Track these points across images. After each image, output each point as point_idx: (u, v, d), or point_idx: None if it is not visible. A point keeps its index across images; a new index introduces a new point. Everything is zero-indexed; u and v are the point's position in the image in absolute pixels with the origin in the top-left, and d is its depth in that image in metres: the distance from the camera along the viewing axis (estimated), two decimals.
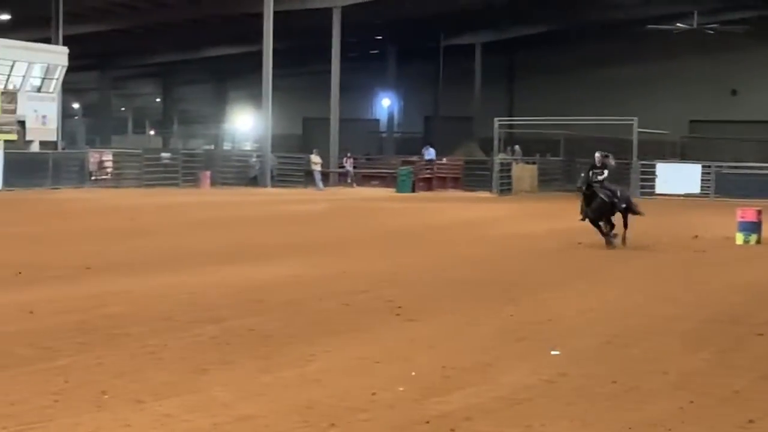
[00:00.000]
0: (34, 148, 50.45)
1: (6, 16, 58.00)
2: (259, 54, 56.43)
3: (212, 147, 78.38)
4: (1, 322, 13.01)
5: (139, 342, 11.99)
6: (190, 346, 11.91)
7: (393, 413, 9.23)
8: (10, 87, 49.14)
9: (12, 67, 49.21)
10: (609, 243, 24.03)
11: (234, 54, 73.17)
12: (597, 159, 24.68)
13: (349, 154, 60.35)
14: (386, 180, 58.20)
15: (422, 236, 28.21)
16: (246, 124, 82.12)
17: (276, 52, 56.08)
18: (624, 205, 24.52)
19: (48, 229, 27.64)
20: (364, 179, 60.11)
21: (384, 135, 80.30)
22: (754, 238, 25.63)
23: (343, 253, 22.41)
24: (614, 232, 24.20)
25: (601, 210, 24.15)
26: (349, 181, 59.24)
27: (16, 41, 50.77)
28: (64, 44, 52.77)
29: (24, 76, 49.77)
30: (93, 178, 51.15)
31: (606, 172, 24.50)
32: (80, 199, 41.84)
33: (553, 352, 11.91)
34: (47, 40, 52.95)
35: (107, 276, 17.67)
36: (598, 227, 24.30)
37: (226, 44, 72.07)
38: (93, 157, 52.70)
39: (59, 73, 51.76)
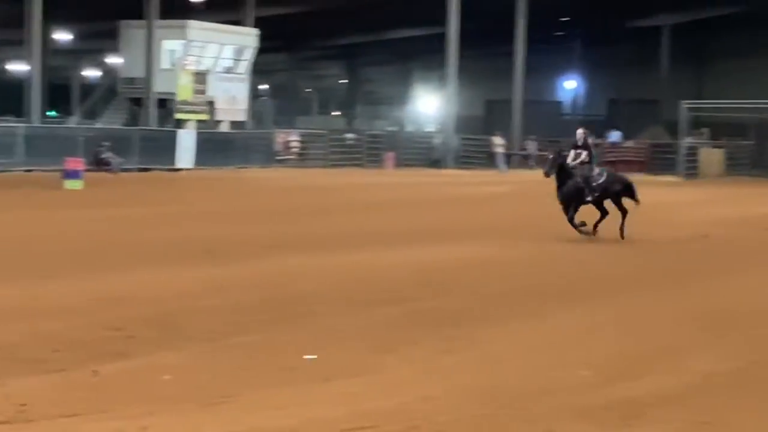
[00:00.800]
0: (224, 128, 51.61)
1: None
2: (443, 35, 56.52)
3: (396, 128, 78.75)
4: (192, 297, 13.43)
5: (326, 320, 12.25)
6: (374, 325, 12.12)
7: (576, 397, 9.22)
8: (202, 68, 50.33)
9: (204, 48, 50.40)
10: (584, 233, 21.55)
11: (418, 36, 73.32)
12: (579, 136, 22.49)
13: (532, 137, 60.00)
14: None
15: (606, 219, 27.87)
16: (429, 106, 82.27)
17: (460, 33, 56.06)
18: (618, 188, 22.01)
19: (236, 207, 28.33)
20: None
21: (567, 117, 79.53)
22: None
23: (524, 235, 22.30)
24: (585, 227, 21.60)
25: (570, 195, 21.62)
26: (531, 163, 58.88)
27: (209, 23, 51.94)
28: (255, 26, 53.76)
29: (215, 58, 50.93)
30: (279, 158, 52.08)
31: (584, 153, 22.04)
32: (267, 178, 42.65)
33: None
34: (238, 22, 54.01)
35: (293, 254, 18.00)
36: (566, 213, 21.69)
37: (410, 26, 72.24)
38: (280, 137, 53.65)
39: (249, 55, 52.79)
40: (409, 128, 79.35)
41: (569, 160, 21.92)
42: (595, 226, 21.80)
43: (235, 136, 50.57)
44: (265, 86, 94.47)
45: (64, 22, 66.03)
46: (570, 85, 79.37)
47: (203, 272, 15.47)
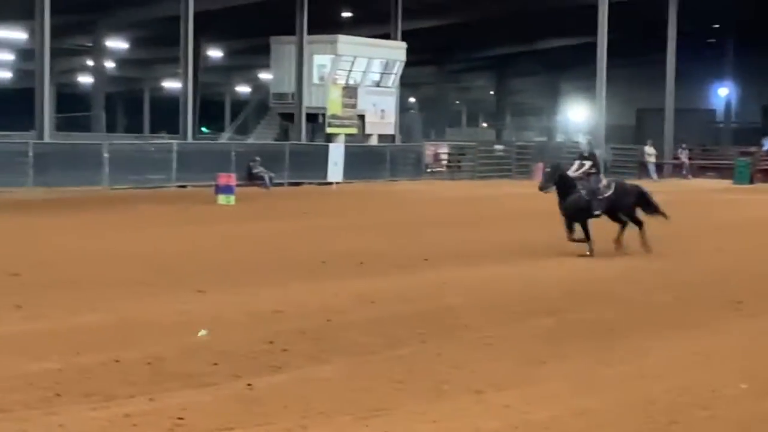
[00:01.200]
0: (373, 141, 51.94)
1: (348, 14, 59.86)
2: (592, 45, 56.00)
3: (545, 139, 78.32)
4: (345, 310, 13.51)
5: (477, 333, 12.21)
6: (527, 337, 12.03)
7: (736, 410, 9.04)
8: (351, 82, 50.74)
9: (353, 62, 50.81)
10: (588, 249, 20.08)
11: (567, 45, 72.86)
12: (583, 146, 21.39)
13: (683, 145, 59.08)
14: (722, 171, 56.64)
15: (762, 229, 27.34)
16: (579, 116, 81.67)
17: (610, 42, 55.51)
18: (630, 201, 20.61)
19: (386, 219, 28.42)
20: (700, 170, 58.71)
21: (720, 125, 78.09)
22: None
23: (678, 246, 21.92)
24: (586, 243, 20.21)
25: (574, 209, 20.23)
26: (684, 172, 57.99)
27: (357, 38, 52.33)
28: (403, 39, 54.00)
29: (364, 72, 51.29)
30: (429, 170, 52.21)
31: (588, 163, 20.57)
32: (416, 190, 42.78)
33: None
34: (387, 36, 54.31)
35: (444, 266, 17.99)
36: (569, 228, 20.34)
37: (559, 36, 71.81)
38: (429, 150, 53.78)
39: (398, 68, 53.04)
40: (559, 138, 78.79)
41: (572, 171, 20.66)
42: (618, 240, 20.45)
43: (385, 149, 50.84)
44: (414, 99, 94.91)
45: (216, 39, 67.28)
46: (723, 93, 77.94)
47: (355, 285, 15.55)
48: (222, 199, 33.07)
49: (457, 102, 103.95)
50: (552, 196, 20.73)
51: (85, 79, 76.78)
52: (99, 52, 61.47)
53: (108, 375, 9.78)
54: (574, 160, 20.99)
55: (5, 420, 8.24)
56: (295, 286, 15.41)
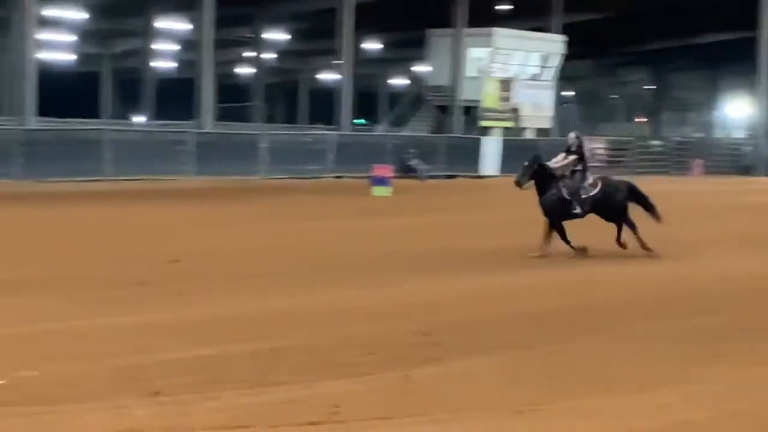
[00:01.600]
0: (529, 135, 51.71)
1: (507, 6, 59.67)
2: (753, 39, 54.87)
3: (703, 135, 77.01)
4: (498, 304, 13.53)
5: (631, 329, 12.09)
6: (683, 336, 11.85)
7: None
8: (508, 75, 50.58)
9: (510, 56, 50.65)
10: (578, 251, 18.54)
11: (727, 40, 71.45)
12: (571, 140, 19.59)
13: None
14: None
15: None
16: (738, 112, 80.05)
17: None
18: (620, 197, 19.11)
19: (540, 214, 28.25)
20: None
21: None
22: None
23: None
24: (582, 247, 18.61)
25: (552, 206, 18.86)
26: None
27: (515, 30, 52.17)
28: (562, 32, 53.61)
29: (521, 65, 51.09)
30: None
31: (572, 157, 19.19)
32: None
33: None
34: (545, 29, 53.98)
35: (598, 262, 17.88)
36: (557, 230, 18.80)
37: (718, 30, 70.47)
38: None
39: (556, 62, 52.70)
40: (718, 135, 77.38)
41: (553, 162, 19.43)
42: (618, 240, 18.93)
43: (541, 142, 50.53)
44: (570, 93, 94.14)
45: (373, 31, 67.68)
46: None
47: (508, 279, 15.56)
48: (377, 190, 33.30)
49: (614, 96, 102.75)
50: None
51: (245, 70, 77.99)
52: (258, 43, 62.44)
53: (265, 362, 9.93)
54: (560, 154, 19.72)
55: (167, 404, 8.45)
56: (449, 278, 15.46)
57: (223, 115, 60.82)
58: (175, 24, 61.58)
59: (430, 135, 49.01)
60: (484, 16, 53.04)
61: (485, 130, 49.05)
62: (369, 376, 9.58)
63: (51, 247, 18.27)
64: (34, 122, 36.19)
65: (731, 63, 79.95)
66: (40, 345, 10.37)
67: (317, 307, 12.82)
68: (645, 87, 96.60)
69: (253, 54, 64.08)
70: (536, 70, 52.35)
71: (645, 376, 9.91)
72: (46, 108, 39.74)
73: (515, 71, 50.82)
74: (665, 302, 14.05)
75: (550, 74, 52.87)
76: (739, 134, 73.91)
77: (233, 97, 69.80)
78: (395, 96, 77.11)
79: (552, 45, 52.72)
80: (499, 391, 9.22)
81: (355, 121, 68.99)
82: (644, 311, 13.32)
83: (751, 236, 23.38)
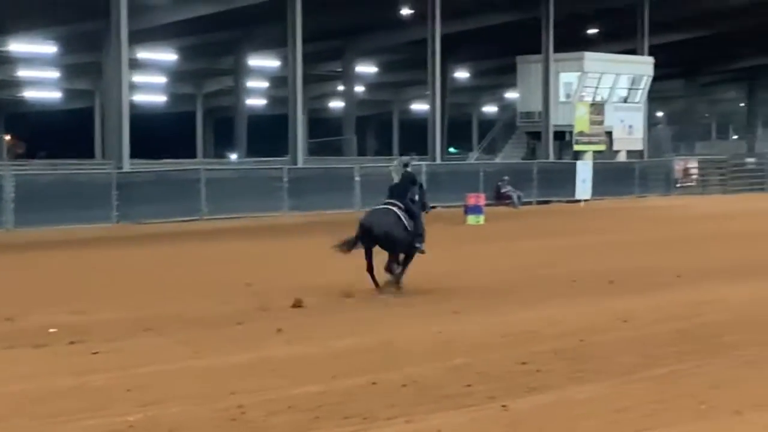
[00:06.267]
0: (621, 157, 51.40)
1: (594, 30, 59.48)
2: None
3: None
4: (598, 330, 13.45)
5: (738, 351, 11.98)
6: None
7: None
8: (598, 98, 50.37)
9: (600, 79, 50.46)
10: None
11: None
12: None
13: None
14: None
15: None
16: None
17: None
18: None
19: (637, 237, 28.10)
20: None
21: None
22: None
23: None
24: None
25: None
26: None
27: (604, 54, 52.00)
28: (650, 54, 53.30)
29: (611, 88, 50.86)
30: (678, 185, 51.32)
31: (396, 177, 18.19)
32: (666, 206, 42.13)
33: None
34: (633, 51, 53.72)
35: (699, 284, 17.71)
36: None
37: None
38: (678, 164, 52.86)
39: (645, 83, 52.41)
40: None
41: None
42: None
43: (633, 165, 50.25)
44: (662, 113, 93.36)
45: (462, 60, 67.82)
46: None
47: (608, 304, 15.48)
48: (471, 219, 33.33)
49: (707, 115, 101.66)
50: None
51: (336, 104, 78.52)
52: (349, 77, 62.83)
53: (367, 397, 9.99)
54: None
55: None
56: (547, 305, 15.43)
57: (315, 150, 61.31)
58: (265, 61, 62.23)
59: (522, 161, 48.93)
60: (572, 41, 52.93)
61: (578, 155, 48.82)
62: (470, 407, 9.60)
63: (153, 287, 18.52)
64: (129, 165, 36.75)
65: None
66: (152, 386, 10.49)
67: (417, 340, 12.85)
68: (738, 104, 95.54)
69: (344, 87, 64.47)
70: (626, 93, 52.06)
71: (750, 398, 9.84)
72: (141, 150, 40.34)
73: (605, 94, 50.58)
74: None
75: (640, 96, 52.54)
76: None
77: (325, 132, 70.33)
78: (487, 124, 77.07)
79: (640, 67, 52.42)
80: (602, 418, 9.20)
81: (450, 149, 69.20)
82: (751, 332, 13.18)
83: None
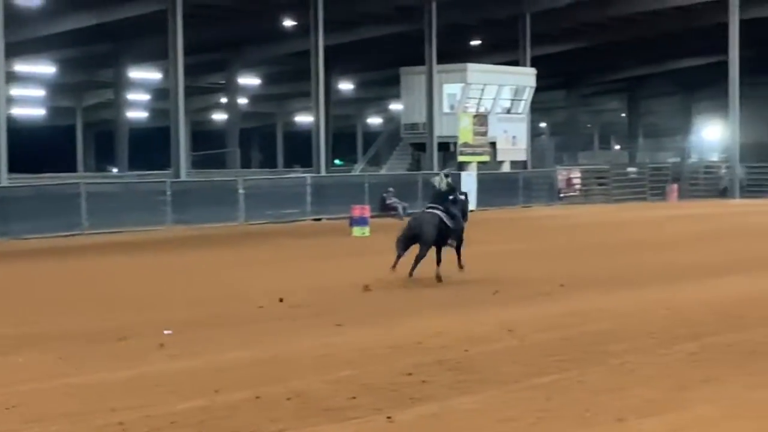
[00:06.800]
0: (505, 168, 51.84)
1: (477, 42, 59.99)
2: (725, 64, 55.25)
3: (679, 160, 77.35)
4: (484, 340, 13.45)
5: (620, 359, 12.06)
6: (671, 363, 11.86)
7: None
8: (482, 110, 50.74)
9: (483, 90, 50.83)
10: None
11: (700, 65, 71.99)
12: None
13: None
14: None
15: None
16: (713, 135, 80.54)
17: (743, 60, 54.70)
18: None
19: (521, 247, 28.29)
20: None
21: None
22: None
23: None
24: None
25: None
26: None
27: (487, 65, 52.43)
28: (532, 65, 53.88)
29: (494, 99, 51.27)
30: (562, 195, 51.90)
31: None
32: (551, 216, 42.53)
33: None
34: (516, 63, 54.26)
35: (583, 293, 17.86)
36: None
37: (691, 55, 70.99)
38: (561, 174, 53.48)
39: (528, 94, 52.94)
40: (693, 159, 77.76)
41: None
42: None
43: (517, 175, 50.71)
44: (545, 124, 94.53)
45: (346, 72, 67.92)
46: None
47: (492, 314, 15.50)
48: (357, 230, 33.25)
49: (589, 125, 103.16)
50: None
51: (219, 116, 78.12)
52: (232, 89, 62.52)
53: (251, 411, 9.86)
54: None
55: None
56: (433, 316, 15.41)
57: (199, 163, 60.87)
58: (147, 73, 61.65)
59: (407, 173, 49.07)
60: (455, 52, 53.34)
61: (462, 166, 49.09)
62: (354, 420, 9.52)
63: (34, 303, 18.15)
64: (7, 180, 35.99)
65: (705, 87, 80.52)
66: (32, 404, 10.27)
67: (301, 353, 12.73)
68: (620, 114, 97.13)
69: (227, 99, 64.12)
70: (509, 104, 52.53)
71: (632, 404, 9.91)
72: (20, 165, 39.55)
73: (489, 105, 50.97)
74: (654, 329, 14.01)
75: (523, 107, 53.05)
76: (715, 157, 74.34)
77: (209, 144, 69.88)
78: (371, 135, 77.28)
79: (523, 78, 52.94)
80: (486, 428, 9.23)
81: (335, 161, 69.19)
82: (633, 340, 13.27)
83: (735, 259, 23.45)
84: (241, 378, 11.30)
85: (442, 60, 49.72)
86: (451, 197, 20.67)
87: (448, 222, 20.19)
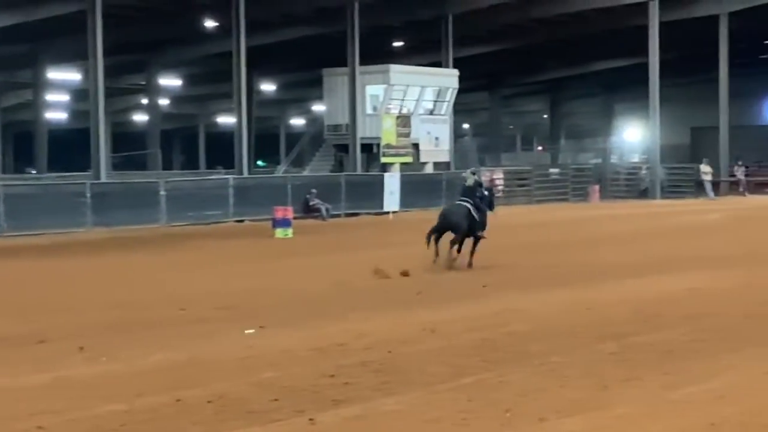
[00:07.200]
0: (428, 169, 51.91)
1: (400, 43, 60.05)
2: (645, 65, 55.87)
3: (600, 161, 78.02)
4: (407, 341, 13.44)
5: (541, 359, 12.12)
6: (592, 362, 11.93)
7: None
8: (405, 111, 50.79)
9: (406, 91, 50.87)
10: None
11: (621, 67, 72.66)
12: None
13: (740, 162, 58.71)
14: None
15: None
16: (634, 136, 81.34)
17: (662, 62, 55.34)
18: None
19: None
20: (757, 187, 58.31)
21: None
22: None
23: (742, 265, 21.77)
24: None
25: None
26: (741, 189, 57.58)
27: (409, 67, 52.47)
28: (455, 66, 54.03)
29: (417, 100, 51.33)
30: None
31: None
32: None
33: None
34: (438, 64, 54.38)
35: (506, 293, 17.93)
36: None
37: (613, 57, 71.65)
38: (484, 176, 53.64)
39: (450, 95, 53.05)
40: (614, 160, 78.49)
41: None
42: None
43: (440, 176, 50.78)
44: (468, 125, 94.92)
45: (269, 73, 67.71)
46: None
47: (416, 315, 15.49)
48: (279, 232, 33.14)
49: (512, 127, 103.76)
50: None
51: (140, 118, 77.50)
52: (153, 90, 62.05)
53: (172, 415, 9.78)
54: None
55: None
56: (356, 318, 15.36)
57: (119, 165, 60.27)
58: (66, 74, 60.99)
59: (330, 174, 48.97)
60: (378, 54, 53.33)
61: (386, 167, 49.11)
62: (276, 422, 9.47)
63: None
64: None
65: (626, 89, 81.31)
66: None
67: (224, 355, 12.65)
68: (543, 116, 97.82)
69: (148, 101, 63.62)
70: (432, 105, 52.62)
71: (553, 404, 9.96)
72: None
73: (412, 107, 51.03)
74: (576, 329, 14.10)
75: (446, 108, 53.15)
76: (636, 158, 75.11)
77: (130, 146, 69.24)
78: (294, 136, 77.10)
79: (446, 79, 53.03)
80: (408, 429, 9.22)
81: (258, 162, 68.90)
82: (555, 340, 13.33)
83: (654, 259, 23.69)
84: (162, 381, 11.20)
85: (364, 61, 49.68)
86: (477, 193, 23.49)
87: (475, 214, 22.94)
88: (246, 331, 14.18)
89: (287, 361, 12.20)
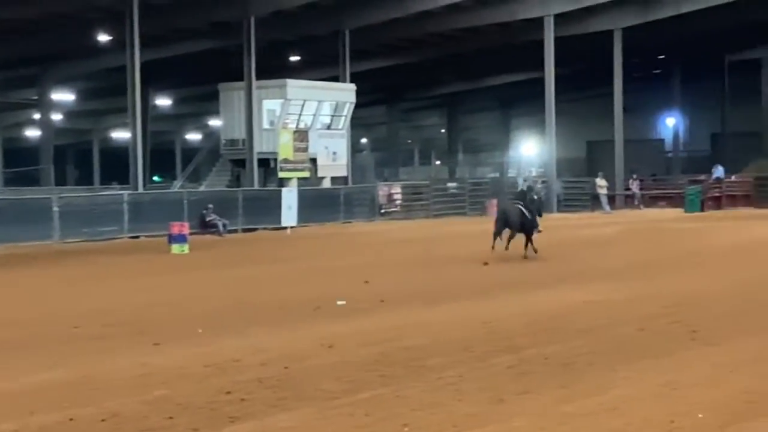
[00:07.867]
0: (326, 183, 51.87)
1: (296, 58, 59.94)
2: (542, 80, 56.45)
3: (498, 175, 78.68)
4: (304, 356, 13.35)
5: (438, 373, 12.10)
6: (489, 376, 11.95)
7: None
8: (302, 126, 50.69)
9: (303, 106, 50.76)
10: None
11: (517, 81, 73.42)
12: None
13: (635, 176, 59.57)
14: (674, 200, 57.22)
15: (716, 257, 27.53)
16: (530, 150, 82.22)
17: (558, 77, 55.98)
18: None
19: (342, 263, 28.28)
20: (651, 200, 59.21)
21: (670, 155, 78.82)
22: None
23: (637, 277, 22.11)
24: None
25: None
26: (636, 203, 58.40)
27: (307, 81, 52.41)
28: (352, 81, 54.07)
29: (314, 115, 51.25)
30: (383, 211, 52.12)
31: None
32: (372, 232, 42.67)
33: None
34: (336, 79, 54.38)
35: (403, 308, 17.89)
36: None
37: (509, 72, 72.36)
38: (382, 190, 53.74)
39: (348, 110, 53.08)
40: (511, 174, 79.19)
41: None
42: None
43: (338, 191, 50.77)
44: (366, 140, 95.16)
45: (164, 87, 67.17)
46: (671, 123, 78.67)
47: (313, 330, 15.40)
48: (176, 248, 32.82)
49: (409, 141, 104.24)
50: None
51: (33, 133, 76.37)
52: (45, 105, 61.17)
53: None
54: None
55: None
56: (253, 333, 15.24)
57: (11, 181, 59.35)
58: None
59: (227, 189, 48.66)
60: (275, 68, 53.16)
61: (283, 182, 48.95)
62: None
63: None
64: None
65: (522, 103, 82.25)
66: None
67: (118, 373, 12.44)
68: (440, 130, 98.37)
69: (40, 116, 62.67)
70: (329, 120, 52.57)
71: (451, 418, 9.98)
72: None
73: (309, 121, 50.94)
74: (472, 343, 14.10)
75: (343, 123, 53.15)
76: (533, 172, 75.85)
77: (22, 161, 68.21)
78: (191, 151, 76.58)
79: (343, 94, 53.05)
80: None
81: (154, 178, 68.24)
82: (451, 354, 13.33)
83: (549, 272, 23.86)
84: (55, 400, 10.99)
85: (261, 76, 49.47)
86: (527, 197, 27.78)
87: (527, 214, 27.12)
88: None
89: (183, 378, 12.04)
